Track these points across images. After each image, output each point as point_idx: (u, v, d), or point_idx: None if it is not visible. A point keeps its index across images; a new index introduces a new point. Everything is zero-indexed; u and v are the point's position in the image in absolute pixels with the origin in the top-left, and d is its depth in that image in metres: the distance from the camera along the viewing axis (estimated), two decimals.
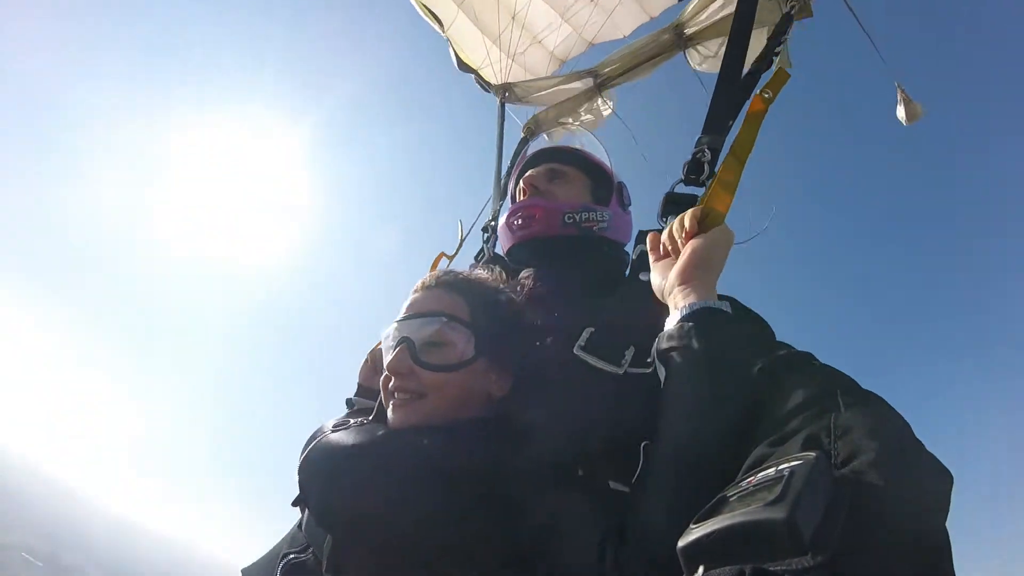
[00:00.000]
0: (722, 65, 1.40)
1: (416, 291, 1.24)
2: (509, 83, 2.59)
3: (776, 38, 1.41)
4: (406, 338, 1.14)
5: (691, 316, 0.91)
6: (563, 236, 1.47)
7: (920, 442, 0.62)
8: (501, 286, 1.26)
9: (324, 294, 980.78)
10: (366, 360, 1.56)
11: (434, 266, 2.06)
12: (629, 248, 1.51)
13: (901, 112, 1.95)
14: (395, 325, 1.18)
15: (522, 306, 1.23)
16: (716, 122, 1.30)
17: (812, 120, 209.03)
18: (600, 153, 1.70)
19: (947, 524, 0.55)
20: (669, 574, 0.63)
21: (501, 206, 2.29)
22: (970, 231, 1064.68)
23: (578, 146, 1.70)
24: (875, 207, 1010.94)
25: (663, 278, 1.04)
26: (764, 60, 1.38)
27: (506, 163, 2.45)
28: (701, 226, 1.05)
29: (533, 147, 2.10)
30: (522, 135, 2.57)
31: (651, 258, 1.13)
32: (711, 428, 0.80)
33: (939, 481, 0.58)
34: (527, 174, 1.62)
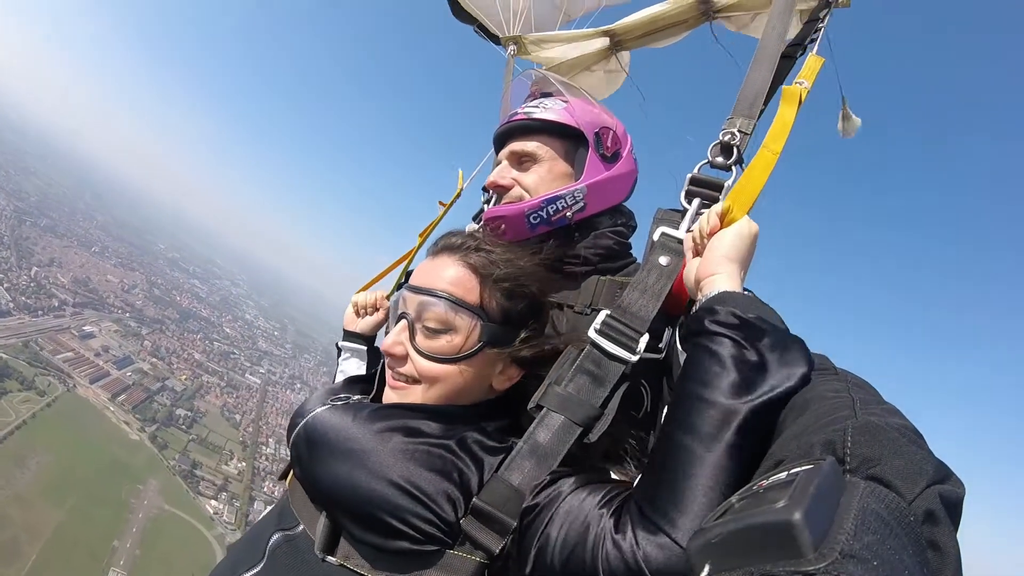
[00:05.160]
0: (758, 46, 1.43)
1: (432, 254, 1.15)
2: (519, 35, 2.49)
3: (813, 22, 1.43)
4: (406, 315, 1.07)
5: (712, 300, 0.92)
6: (538, 236, 1.39)
7: (932, 453, 0.64)
8: (522, 263, 1.13)
9: None
10: (351, 306, 1.64)
11: (438, 219, 1.93)
12: (639, 229, 1.48)
13: (840, 125, 2.01)
14: (404, 294, 1.11)
15: (544, 287, 1.15)
16: (748, 105, 1.31)
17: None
18: (580, 97, 1.49)
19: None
20: None
21: None
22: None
23: (547, 102, 1.45)
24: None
25: (690, 274, 1.05)
26: (800, 43, 1.41)
27: None
28: (723, 221, 1.03)
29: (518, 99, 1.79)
30: (529, 92, 2.48)
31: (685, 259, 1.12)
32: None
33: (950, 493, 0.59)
34: (495, 166, 1.50)
